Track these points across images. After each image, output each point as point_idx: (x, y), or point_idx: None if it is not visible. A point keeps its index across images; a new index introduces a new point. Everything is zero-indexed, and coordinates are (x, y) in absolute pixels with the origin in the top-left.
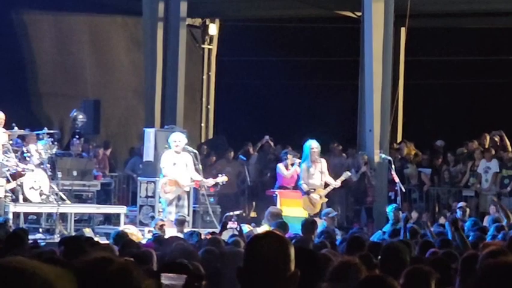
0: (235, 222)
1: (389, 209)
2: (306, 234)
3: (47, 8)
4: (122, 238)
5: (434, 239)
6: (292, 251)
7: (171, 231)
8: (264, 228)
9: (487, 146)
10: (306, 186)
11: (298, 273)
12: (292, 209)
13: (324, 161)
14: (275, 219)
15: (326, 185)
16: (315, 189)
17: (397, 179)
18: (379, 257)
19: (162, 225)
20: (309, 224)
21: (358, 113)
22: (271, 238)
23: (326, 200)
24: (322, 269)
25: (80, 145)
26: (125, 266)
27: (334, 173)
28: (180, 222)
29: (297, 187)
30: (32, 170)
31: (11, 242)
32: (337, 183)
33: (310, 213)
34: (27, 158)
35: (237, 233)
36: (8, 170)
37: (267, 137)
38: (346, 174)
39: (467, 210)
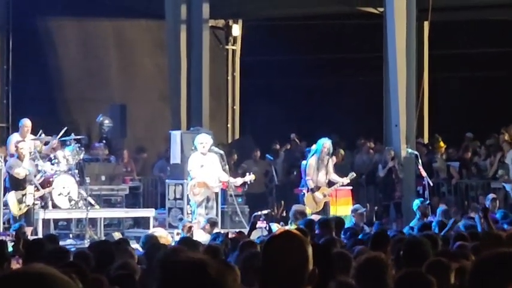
0: (264, 222)
1: (415, 204)
2: (324, 233)
3: (71, 13)
4: (151, 241)
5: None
6: (309, 250)
7: (200, 233)
8: (292, 227)
9: None
10: (311, 182)
11: (316, 272)
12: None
13: (331, 161)
14: (301, 217)
15: (330, 183)
16: (320, 187)
17: (424, 174)
18: (402, 251)
19: (190, 227)
20: (324, 223)
21: (383, 108)
22: (287, 238)
23: (329, 199)
24: (335, 266)
25: (101, 149)
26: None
27: (361, 170)
28: (212, 224)
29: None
30: (66, 171)
31: (28, 250)
32: (344, 181)
33: (313, 211)
34: (55, 165)
35: (266, 232)
36: (38, 178)
37: (293, 135)
38: (352, 175)
39: (497, 202)
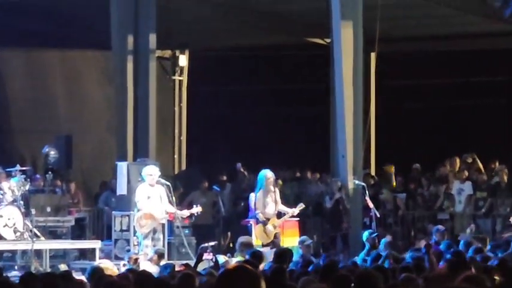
0: (211, 254)
1: (365, 235)
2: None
3: (17, 44)
4: (96, 273)
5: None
6: (263, 283)
7: (146, 265)
8: (238, 259)
9: (457, 169)
10: (261, 215)
11: None
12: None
13: (277, 191)
14: (247, 249)
15: (279, 214)
16: (269, 219)
17: (371, 205)
18: (353, 284)
19: (136, 259)
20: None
21: (330, 139)
22: (241, 272)
23: (279, 230)
24: None
25: (42, 180)
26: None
27: (309, 200)
28: (159, 255)
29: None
30: (11, 202)
31: None
32: (294, 211)
33: (263, 243)
34: (0, 196)
35: (212, 264)
36: None
37: (239, 165)
38: (300, 206)
39: (444, 234)
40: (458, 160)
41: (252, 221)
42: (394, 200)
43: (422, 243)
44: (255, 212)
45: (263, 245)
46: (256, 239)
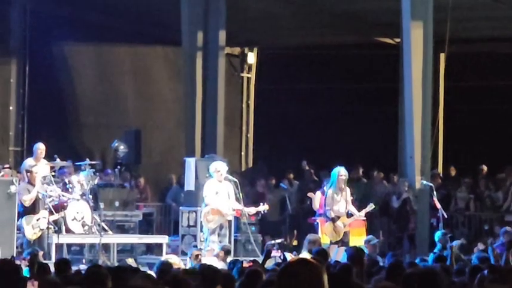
0: (279, 251)
1: (437, 235)
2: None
3: (87, 39)
4: (165, 268)
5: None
6: (325, 277)
7: (213, 261)
8: (304, 256)
9: None
10: (331, 212)
11: None
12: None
13: (348, 190)
14: (313, 246)
15: (348, 214)
16: (339, 217)
17: (438, 205)
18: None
19: (197, 255)
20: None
21: (398, 139)
22: (303, 265)
23: (348, 229)
24: None
25: (111, 175)
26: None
27: (376, 200)
28: (226, 252)
29: (323, 214)
30: (78, 200)
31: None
32: (361, 214)
33: (333, 241)
34: (70, 189)
35: (280, 261)
36: (51, 202)
37: (304, 162)
38: (371, 206)
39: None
40: None
41: (318, 219)
42: (461, 201)
43: (480, 246)
44: (325, 208)
45: (331, 243)
46: (324, 236)
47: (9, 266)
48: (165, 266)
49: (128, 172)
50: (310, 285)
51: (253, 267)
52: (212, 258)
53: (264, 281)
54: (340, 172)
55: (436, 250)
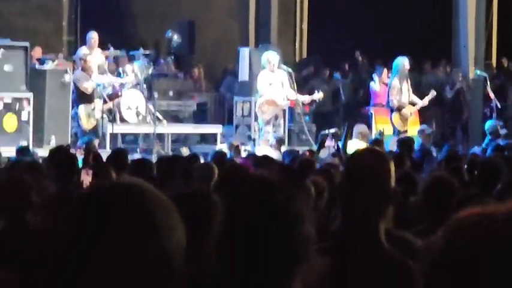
0: (333, 140)
1: (488, 124)
2: (403, 152)
3: None
4: (220, 157)
5: None
6: (392, 167)
7: (268, 151)
8: (355, 143)
9: None
10: (396, 102)
11: (399, 190)
12: (387, 126)
13: (409, 80)
14: (363, 137)
15: (413, 103)
16: (403, 107)
17: (492, 96)
18: (476, 171)
19: (237, 146)
20: (406, 142)
21: (452, 28)
22: (372, 154)
23: (416, 118)
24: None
25: (165, 65)
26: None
27: (429, 91)
28: (280, 141)
29: (386, 104)
30: (132, 89)
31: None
32: (424, 102)
33: (400, 130)
34: (124, 79)
35: (334, 150)
36: (106, 91)
37: (357, 53)
38: (432, 93)
39: None
40: None
41: (372, 109)
42: None
43: None
44: (389, 98)
45: (399, 133)
46: (386, 126)
47: (64, 154)
48: (220, 155)
49: (181, 62)
50: (378, 173)
51: (307, 156)
52: (267, 148)
53: (316, 170)
54: (404, 62)
55: (486, 140)
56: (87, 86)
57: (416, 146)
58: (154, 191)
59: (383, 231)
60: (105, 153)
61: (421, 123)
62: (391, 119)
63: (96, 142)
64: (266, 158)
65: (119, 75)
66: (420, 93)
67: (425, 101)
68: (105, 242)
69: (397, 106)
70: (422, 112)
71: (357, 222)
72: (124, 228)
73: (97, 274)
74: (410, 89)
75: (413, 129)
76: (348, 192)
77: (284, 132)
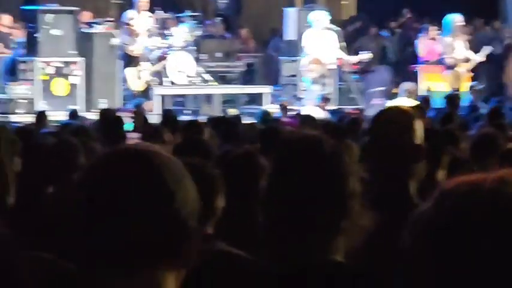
0: (382, 99)
1: None
2: (450, 109)
3: None
4: (266, 117)
5: None
6: (418, 124)
7: (315, 110)
8: (401, 101)
9: None
10: (450, 60)
11: (423, 148)
12: (435, 84)
13: (465, 36)
14: (411, 95)
15: (467, 60)
16: (457, 64)
17: None
18: None
19: (285, 106)
20: (452, 98)
21: None
22: (394, 111)
23: (470, 74)
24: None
25: (212, 26)
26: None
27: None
28: (326, 100)
29: (439, 62)
30: (180, 51)
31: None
32: (481, 57)
33: (455, 87)
34: (172, 41)
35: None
36: (154, 53)
37: (405, 10)
38: (489, 48)
39: None
40: None
41: (419, 67)
42: None
43: None
44: (443, 56)
45: (454, 90)
46: (441, 83)
47: (110, 117)
48: (266, 115)
49: (229, 23)
50: (402, 131)
51: (355, 115)
52: (314, 108)
53: (364, 129)
54: (455, 19)
55: None
56: (134, 49)
57: (466, 102)
58: (166, 157)
59: (414, 190)
60: (153, 116)
61: (473, 79)
62: (444, 76)
63: (146, 105)
64: (312, 117)
65: (167, 37)
66: (471, 50)
67: (482, 56)
68: (116, 209)
69: (450, 64)
70: (472, 69)
71: (383, 181)
72: (137, 195)
73: (110, 241)
74: (467, 45)
75: (465, 85)
76: (371, 150)
77: (332, 91)
